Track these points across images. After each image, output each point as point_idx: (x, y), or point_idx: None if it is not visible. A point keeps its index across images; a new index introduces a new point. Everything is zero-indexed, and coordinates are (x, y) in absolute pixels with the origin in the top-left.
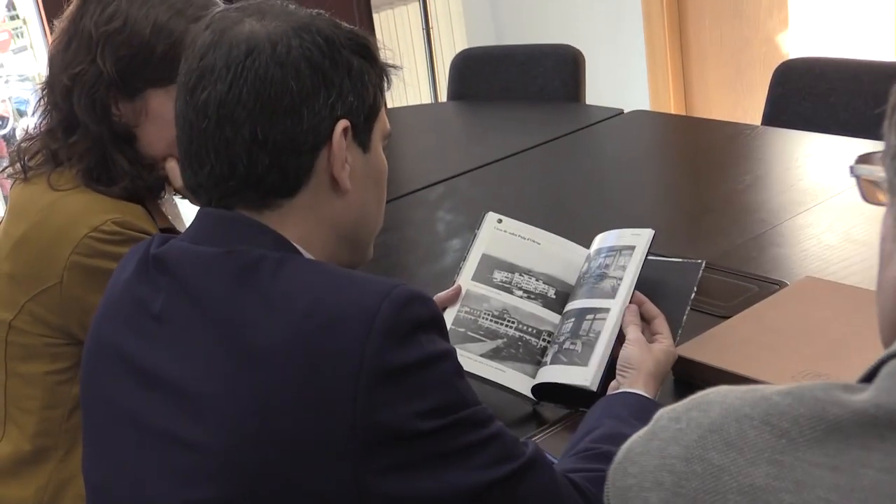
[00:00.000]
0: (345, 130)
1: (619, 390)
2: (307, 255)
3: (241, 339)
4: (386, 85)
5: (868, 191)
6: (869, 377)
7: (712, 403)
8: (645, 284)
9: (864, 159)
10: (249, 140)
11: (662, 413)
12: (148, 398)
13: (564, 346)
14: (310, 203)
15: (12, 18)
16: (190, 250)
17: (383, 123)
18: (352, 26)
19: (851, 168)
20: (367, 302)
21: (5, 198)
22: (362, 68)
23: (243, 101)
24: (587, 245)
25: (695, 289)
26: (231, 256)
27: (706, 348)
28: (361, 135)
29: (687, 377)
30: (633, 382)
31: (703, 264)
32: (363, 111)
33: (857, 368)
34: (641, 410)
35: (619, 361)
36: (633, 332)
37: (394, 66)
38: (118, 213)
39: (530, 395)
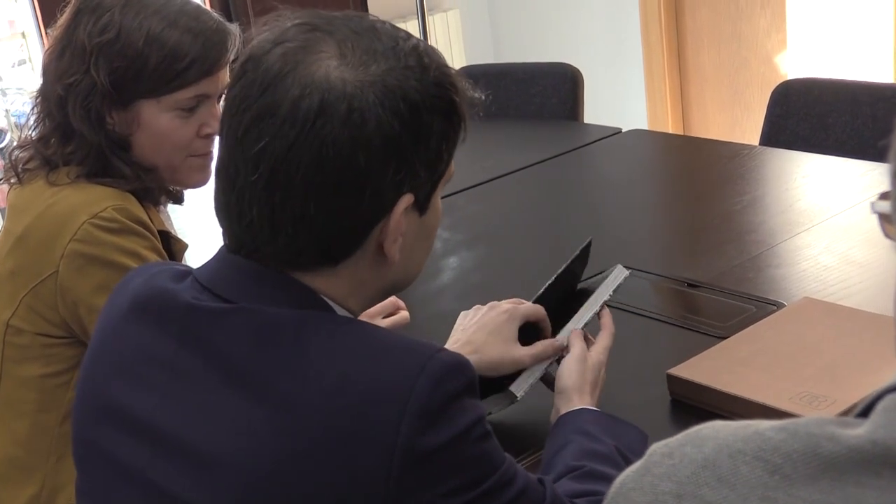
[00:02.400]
0: (407, 207)
1: (573, 408)
2: (339, 308)
3: (265, 411)
4: (463, 137)
5: (888, 228)
6: (865, 412)
7: (706, 439)
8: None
9: (885, 196)
10: (299, 213)
11: (655, 448)
12: (153, 455)
13: None
14: (352, 269)
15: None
16: (201, 304)
17: (449, 172)
18: (440, 72)
19: (872, 205)
20: (400, 378)
21: (2, 210)
22: (442, 133)
23: (302, 170)
24: None
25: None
26: (245, 314)
27: (702, 369)
28: (422, 202)
29: (683, 398)
30: (570, 399)
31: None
32: (431, 181)
33: (854, 390)
34: (600, 424)
35: (558, 379)
36: (575, 349)
37: (476, 105)
38: (118, 200)
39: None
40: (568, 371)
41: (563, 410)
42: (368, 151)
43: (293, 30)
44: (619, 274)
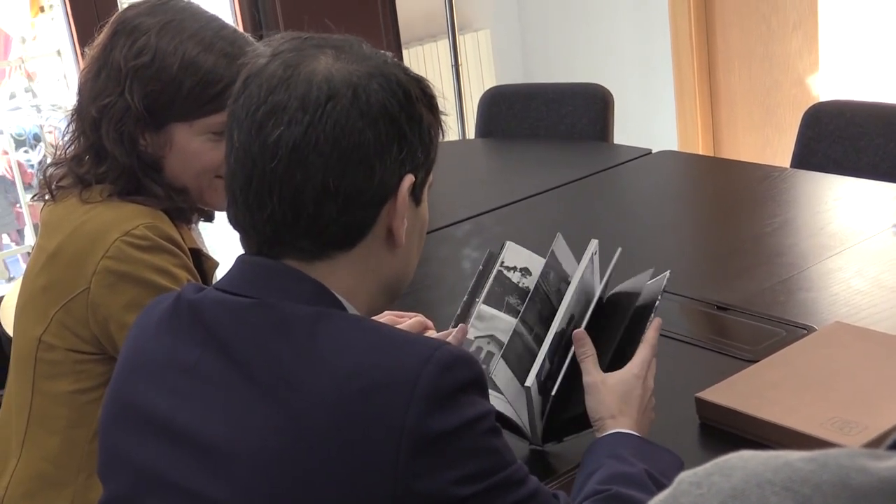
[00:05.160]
0: (409, 188)
1: (609, 432)
2: (349, 306)
3: (279, 400)
4: (442, 136)
5: None
6: None
7: (734, 468)
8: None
9: None
10: (320, 189)
11: (683, 477)
12: (175, 456)
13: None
14: (363, 256)
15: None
16: (224, 301)
17: (431, 178)
18: (417, 74)
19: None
20: (408, 366)
21: (35, 225)
22: (430, 122)
23: (319, 148)
24: None
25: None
26: (264, 309)
27: (732, 393)
28: (418, 189)
29: (712, 421)
30: (605, 428)
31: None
32: (426, 166)
33: (886, 416)
34: (632, 447)
35: (588, 412)
36: (585, 376)
37: (444, 114)
38: (149, 218)
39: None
40: (590, 403)
41: (598, 436)
42: (375, 129)
43: (286, 43)
44: (661, 278)
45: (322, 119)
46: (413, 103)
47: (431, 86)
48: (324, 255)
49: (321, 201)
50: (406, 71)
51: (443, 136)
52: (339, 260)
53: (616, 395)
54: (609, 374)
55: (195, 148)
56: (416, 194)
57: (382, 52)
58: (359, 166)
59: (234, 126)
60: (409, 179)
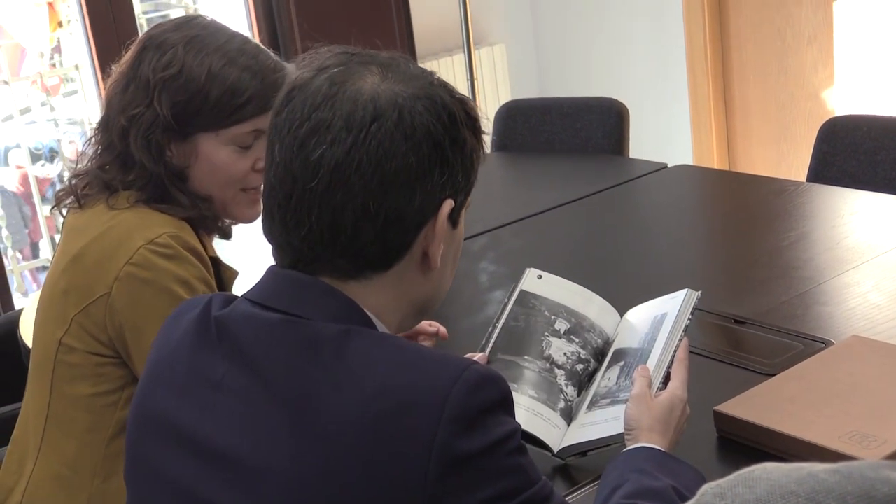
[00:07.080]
0: (449, 210)
1: (633, 446)
2: (379, 324)
3: (307, 418)
4: (484, 158)
5: None
6: None
7: (758, 480)
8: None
9: None
10: (360, 211)
11: (707, 488)
12: (200, 470)
13: (598, 403)
14: (398, 277)
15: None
16: (252, 316)
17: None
18: (462, 95)
19: None
20: (437, 385)
21: (52, 238)
22: (473, 146)
23: (361, 170)
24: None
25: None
26: (293, 326)
27: (750, 406)
28: (456, 212)
29: (730, 435)
30: (637, 439)
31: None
32: (465, 189)
33: None
34: (657, 462)
35: (624, 421)
36: (636, 388)
37: (485, 133)
38: (173, 227)
39: (553, 449)
40: (631, 412)
41: (628, 445)
42: (419, 153)
43: (333, 59)
44: (691, 297)
45: (366, 140)
46: (457, 126)
47: (475, 107)
48: (359, 275)
49: (360, 222)
50: (451, 92)
51: (484, 158)
52: (373, 280)
53: (660, 411)
54: (657, 392)
55: (221, 158)
56: (453, 217)
57: (429, 71)
58: (400, 189)
59: (275, 139)
60: (448, 204)
